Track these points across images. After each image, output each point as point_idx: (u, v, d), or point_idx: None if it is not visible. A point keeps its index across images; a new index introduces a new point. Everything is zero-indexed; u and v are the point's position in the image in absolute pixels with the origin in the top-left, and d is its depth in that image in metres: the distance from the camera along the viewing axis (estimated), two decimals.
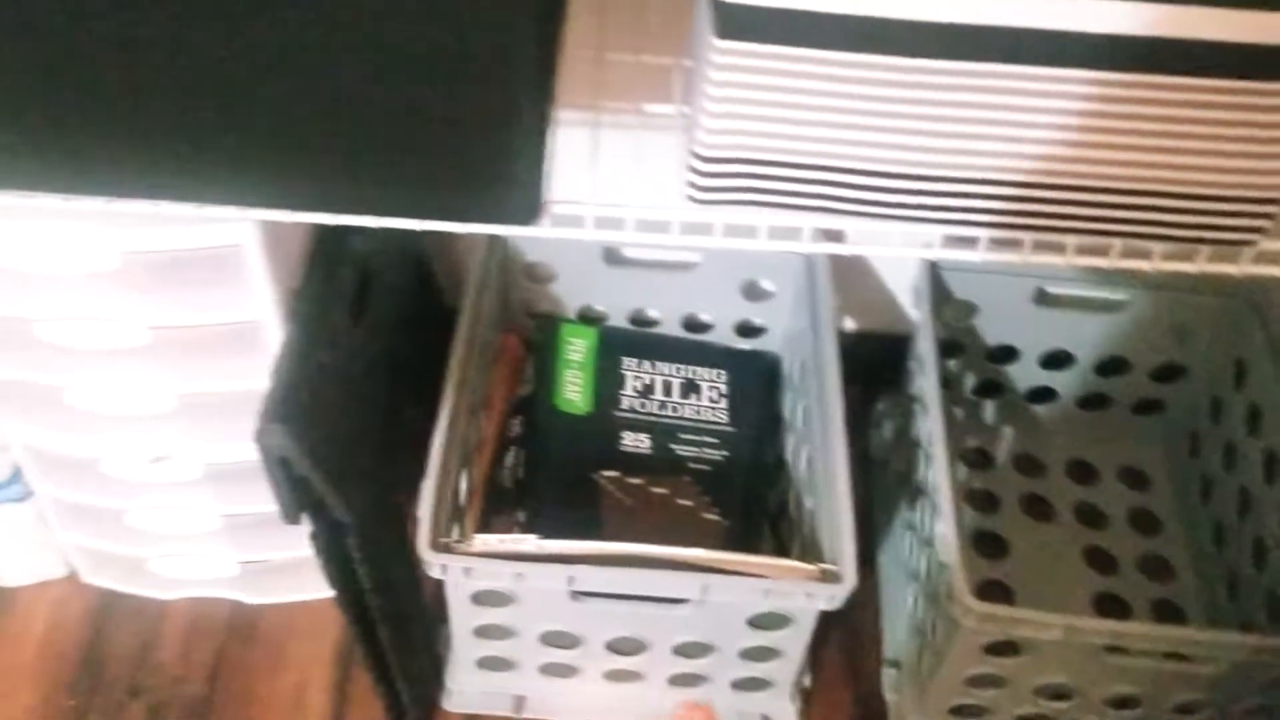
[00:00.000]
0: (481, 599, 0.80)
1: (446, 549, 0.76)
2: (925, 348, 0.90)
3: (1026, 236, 0.59)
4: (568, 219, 0.58)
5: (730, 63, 0.50)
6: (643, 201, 0.58)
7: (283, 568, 0.94)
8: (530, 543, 0.78)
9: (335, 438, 0.74)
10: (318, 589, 0.94)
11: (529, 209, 0.55)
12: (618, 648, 0.84)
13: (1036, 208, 0.57)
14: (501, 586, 0.78)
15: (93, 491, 0.87)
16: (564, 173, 0.59)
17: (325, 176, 0.54)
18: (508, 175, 0.53)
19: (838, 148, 0.53)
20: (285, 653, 0.94)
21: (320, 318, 0.76)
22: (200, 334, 0.76)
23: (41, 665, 0.93)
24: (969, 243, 0.60)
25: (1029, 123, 0.53)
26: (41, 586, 0.98)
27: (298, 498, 0.72)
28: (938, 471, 0.82)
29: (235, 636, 0.95)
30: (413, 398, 0.89)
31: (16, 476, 0.89)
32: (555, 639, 0.83)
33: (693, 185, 0.55)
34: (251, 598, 0.97)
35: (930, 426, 0.85)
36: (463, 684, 0.90)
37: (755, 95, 0.51)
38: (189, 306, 0.74)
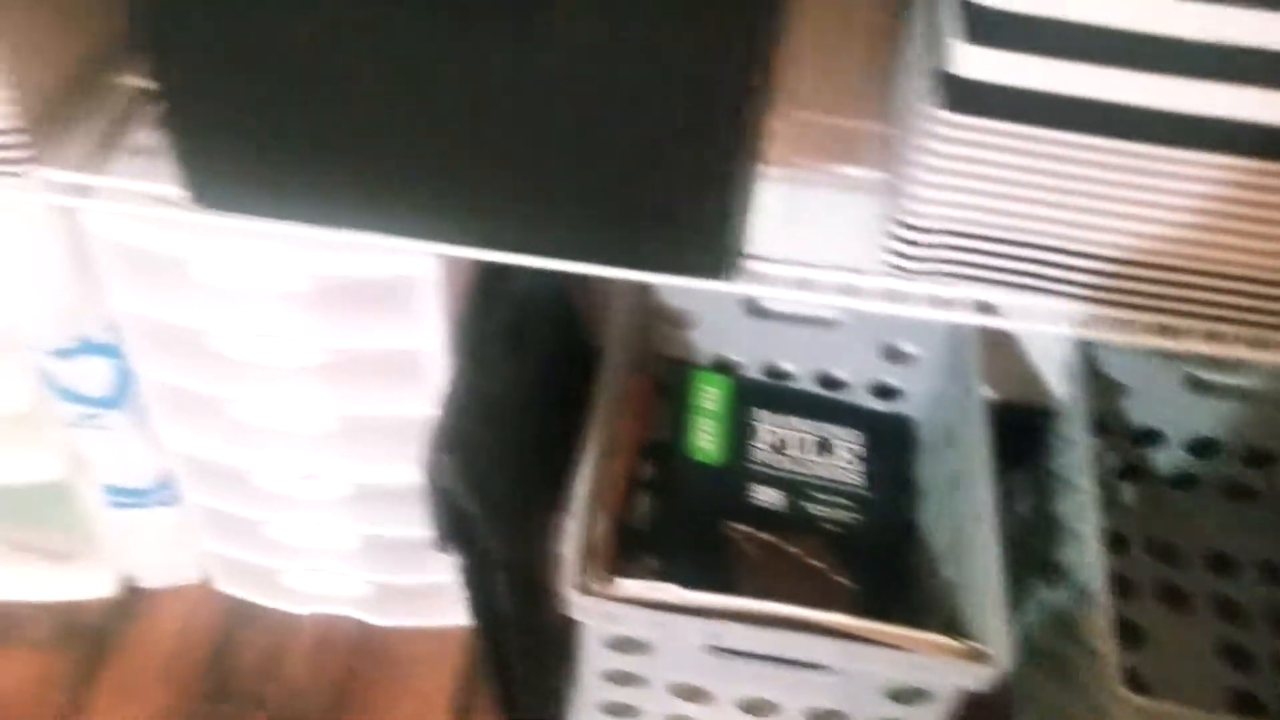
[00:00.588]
0: (616, 644, 0.80)
1: (590, 591, 0.76)
2: (1075, 427, 0.89)
3: (1194, 325, 0.58)
4: (757, 276, 0.59)
5: (958, 136, 0.50)
6: (837, 265, 0.58)
7: (413, 592, 0.95)
8: (673, 592, 0.77)
9: (495, 472, 0.75)
10: (445, 615, 0.96)
11: (721, 264, 0.56)
12: (749, 707, 0.83)
13: (1207, 296, 0.56)
14: (640, 634, 0.78)
15: (240, 501, 0.89)
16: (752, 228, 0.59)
17: (531, 220, 0.55)
18: (707, 229, 0.54)
19: (1052, 226, 0.53)
20: (409, 676, 0.95)
21: (485, 350, 0.77)
22: (369, 358, 0.77)
23: (172, 668, 0.95)
24: (1129, 325, 0.59)
25: (1215, 210, 0.52)
26: (175, 590, 1.00)
27: (456, 529, 0.72)
28: (1089, 557, 0.80)
29: (361, 656, 0.96)
30: (558, 434, 0.89)
31: (168, 481, 0.91)
32: (686, 692, 0.83)
33: (898, 254, 0.55)
34: (379, 619, 0.98)
35: (1080, 509, 0.84)
36: None
37: (978, 170, 0.51)
38: (362, 331, 0.75)
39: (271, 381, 0.79)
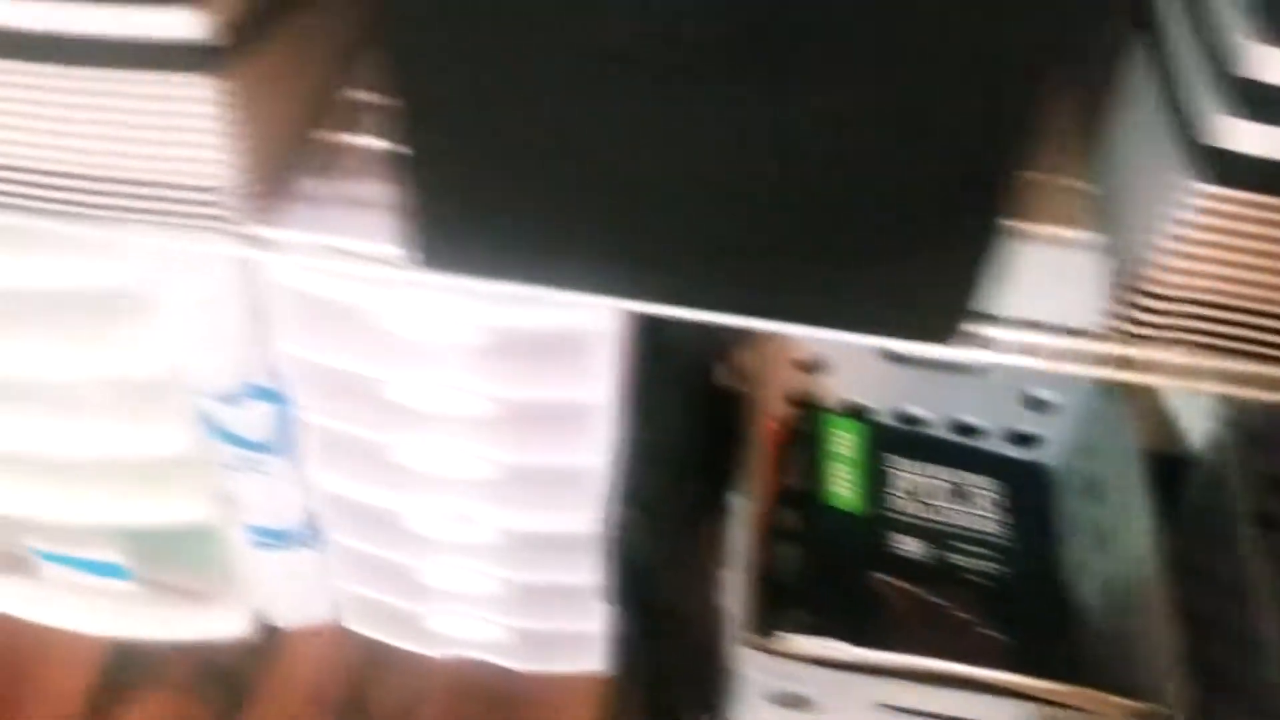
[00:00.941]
0: (780, 699, 0.79)
1: (758, 646, 0.75)
2: (1230, 477, 0.87)
3: None
4: (980, 340, 0.58)
5: (1216, 208, 0.49)
6: (1063, 330, 0.57)
7: (553, 637, 0.94)
8: (842, 649, 0.77)
9: (671, 525, 0.74)
10: (583, 661, 0.95)
11: (950, 328, 0.55)
12: None
13: None
14: (809, 691, 0.76)
15: (389, 545, 0.89)
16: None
17: (760, 281, 0.55)
18: (944, 293, 0.53)
19: None
20: None
21: (658, 401, 0.76)
22: (535, 407, 0.77)
23: (310, 709, 0.95)
24: None
25: None
26: (309, 631, 1.00)
27: (632, 583, 0.72)
28: (1263, 622, 0.78)
29: (498, 702, 0.96)
30: (705, 480, 0.89)
31: (312, 523, 0.92)
32: None
33: (1132, 320, 0.54)
34: (517, 663, 0.97)
35: (1239, 562, 0.82)
36: None
37: (1232, 241, 0.50)
38: (533, 382, 0.75)
39: (436, 429, 0.79)
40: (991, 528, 0.99)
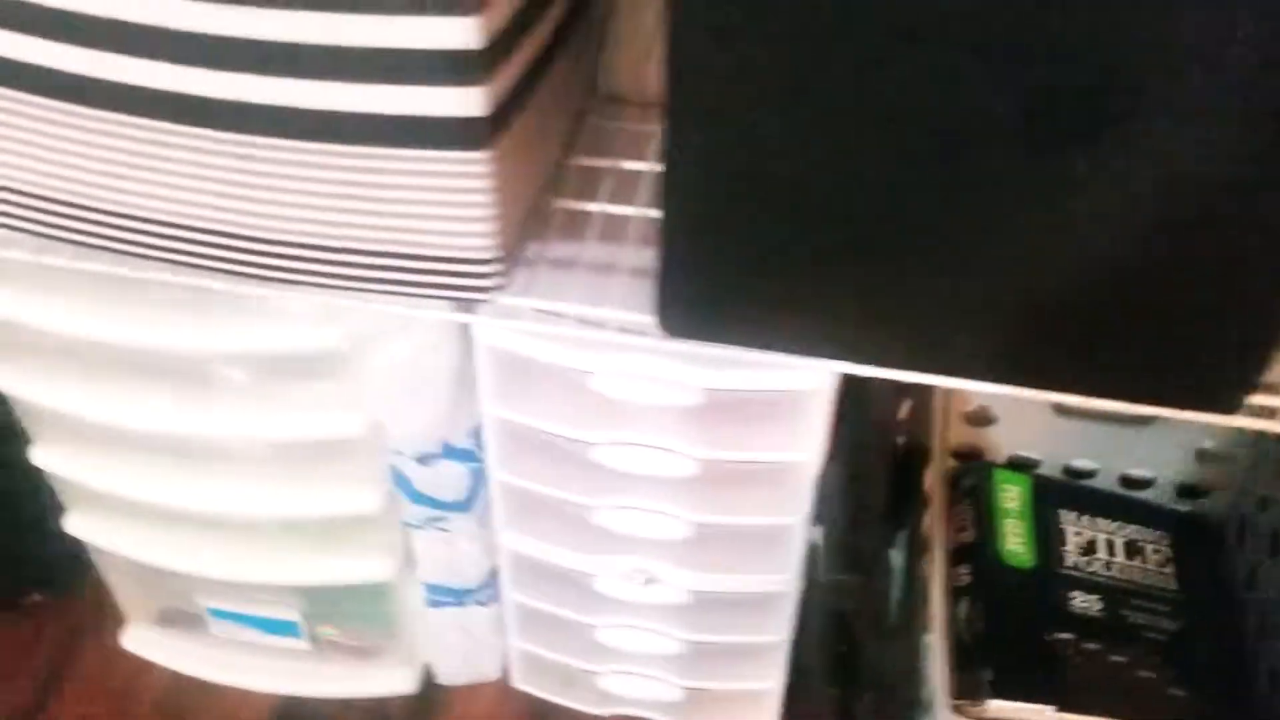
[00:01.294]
0: None
1: (964, 711, 0.74)
2: None
3: None
4: (1268, 411, 0.57)
5: None
6: None
7: (724, 696, 0.93)
8: (1048, 715, 0.75)
9: (877, 584, 0.73)
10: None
11: (1237, 398, 0.54)
12: None
13: None
14: None
15: (571, 604, 0.88)
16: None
17: (1040, 352, 0.54)
18: (1238, 364, 0.52)
19: None
20: None
21: (861, 459, 0.76)
22: (740, 468, 0.76)
23: None
24: None
25: None
26: (472, 688, 1.00)
27: (842, 649, 0.71)
28: None
29: None
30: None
31: (491, 580, 0.91)
32: None
33: None
34: None
35: None
36: None
37: None
38: (743, 443, 0.74)
39: (636, 490, 0.78)
40: (1164, 582, 0.97)
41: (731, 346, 0.59)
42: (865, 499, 0.74)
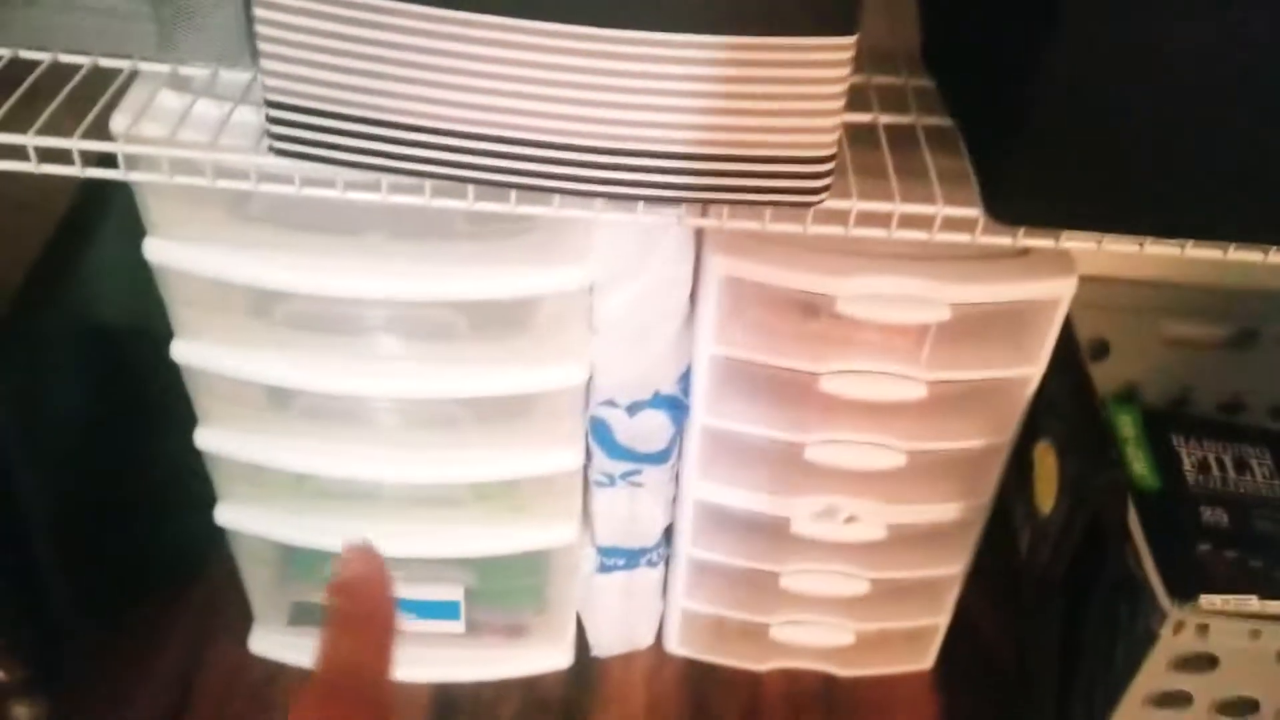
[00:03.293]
0: (1175, 663, 0.80)
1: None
2: None
3: None
4: None
5: None
6: None
7: (892, 638, 0.94)
8: (1254, 603, 0.79)
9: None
10: (910, 661, 0.95)
11: None
12: None
13: None
14: (1219, 649, 0.78)
15: (757, 555, 0.87)
16: None
17: None
18: None
19: None
20: None
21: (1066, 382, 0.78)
22: (969, 388, 0.77)
23: None
24: None
25: None
26: (627, 657, 0.97)
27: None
28: None
29: (835, 708, 0.94)
30: None
31: (662, 541, 0.89)
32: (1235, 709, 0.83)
33: None
34: (843, 670, 0.96)
35: None
36: None
37: None
38: (979, 361, 0.75)
39: (854, 422, 0.78)
40: (1274, 492, 1.02)
41: (1068, 230, 0.60)
42: (1090, 407, 0.76)
